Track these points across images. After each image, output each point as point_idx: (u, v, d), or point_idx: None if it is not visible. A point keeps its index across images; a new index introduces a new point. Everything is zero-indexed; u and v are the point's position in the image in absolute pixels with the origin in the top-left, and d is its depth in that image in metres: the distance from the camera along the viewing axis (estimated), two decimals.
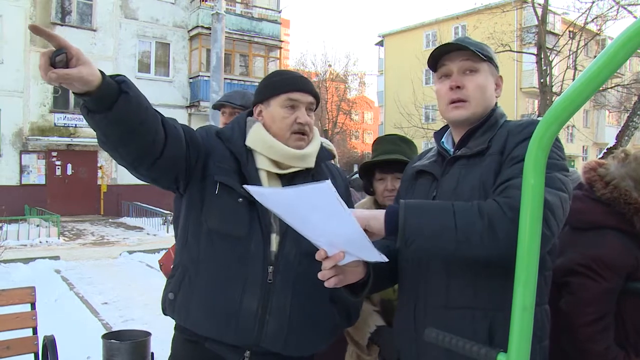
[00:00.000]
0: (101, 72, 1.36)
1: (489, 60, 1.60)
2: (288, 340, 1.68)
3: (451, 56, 1.59)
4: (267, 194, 1.41)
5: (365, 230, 1.30)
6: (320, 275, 1.40)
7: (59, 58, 1.27)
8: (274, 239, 1.71)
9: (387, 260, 1.33)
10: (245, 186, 1.40)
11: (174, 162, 1.64)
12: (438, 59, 1.63)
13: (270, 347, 1.68)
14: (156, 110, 1.55)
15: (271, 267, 1.68)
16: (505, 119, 1.62)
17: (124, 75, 1.44)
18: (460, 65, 1.58)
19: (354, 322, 1.96)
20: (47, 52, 1.27)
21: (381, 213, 1.37)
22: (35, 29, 1.27)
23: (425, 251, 1.45)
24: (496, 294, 1.42)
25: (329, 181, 1.16)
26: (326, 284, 1.41)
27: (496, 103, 1.65)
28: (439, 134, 1.72)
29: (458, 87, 1.58)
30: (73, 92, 1.36)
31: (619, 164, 1.91)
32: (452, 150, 1.63)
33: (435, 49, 1.63)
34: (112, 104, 1.37)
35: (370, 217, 1.36)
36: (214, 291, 1.69)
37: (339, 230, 1.28)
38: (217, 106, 2.97)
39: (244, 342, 1.68)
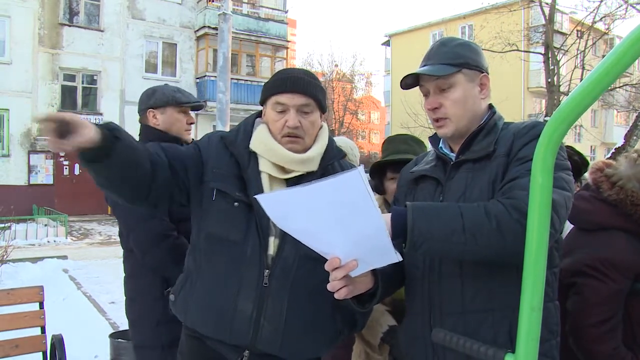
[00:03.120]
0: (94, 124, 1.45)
1: (465, 65, 1.55)
2: (284, 344, 1.68)
3: (424, 76, 1.59)
4: (279, 200, 1.31)
5: None
6: (329, 287, 1.38)
7: (65, 130, 1.37)
8: (272, 242, 1.69)
9: (402, 259, 1.31)
10: (256, 196, 1.33)
11: (165, 188, 1.68)
12: (413, 83, 1.63)
13: (267, 349, 1.68)
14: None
15: (267, 270, 1.67)
16: (504, 121, 1.61)
17: (112, 122, 1.54)
18: (434, 84, 1.57)
19: (360, 329, 1.94)
20: (52, 133, 1.36)
21: (387, 216, 1.36)
22: (41, 120, 1.38)
23: (434, 253, 1.45)
24: (513, 293, 1.38)
25: (361, 168, 1.15)
26: (336, 295, 1.39)
27: (491, 105, 1.64)
28: (434, 139, 1.71)
29: (435, 107, 1.58)
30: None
31: (629, 164, 1.89)
32: (452, 154, 1.62)
33: (401, 81, 1.63)
34: (109, 152, 1.46)
35: None
36: (210, 293, 1.70)
37: (360, 228, 1.24)
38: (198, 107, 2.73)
39: (241, 343, 1.69)
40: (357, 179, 1.14)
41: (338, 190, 1.18)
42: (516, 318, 1.31)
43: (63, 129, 1.36)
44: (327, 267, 1.34)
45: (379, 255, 1.32)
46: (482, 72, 1.59)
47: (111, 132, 1.47)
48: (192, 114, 2.73)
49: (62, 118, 1.36)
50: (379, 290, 1.51)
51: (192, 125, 2.69)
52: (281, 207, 1.30)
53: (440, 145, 1.67)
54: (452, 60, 1.55)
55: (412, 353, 1.63)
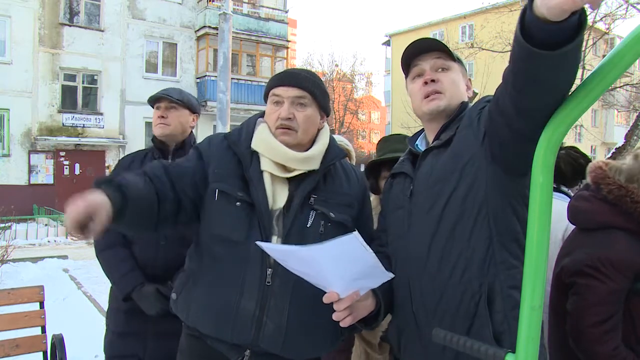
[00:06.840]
0: (105, 192, 1.45)
1: (460, 62, 1.67)
2: (286, 343, 1.69)
3: (423, 56, 1.65)
4: (280, 251, 1.46)
5: None
6: (335, 317, 1.44)
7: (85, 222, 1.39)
8: (275, 241, 1.70)
9: (393, 276, 1.40)
10: (257, 243, 1.47)
11: (169, 216, 1.70)
12: (411, 59, 1.68)
13: (269, 348, 1.69)
14: (144, 175, 1.67)
15: (270, 269, 1.68)
16: None
17: (114, 178, 1.54)
18: (433, 63, 1.63)
19: (360, 330, 1.95)
20: (76, 231, 1.38)
21: None
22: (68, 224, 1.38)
23: None
24: (485, 262, 1.46)
25: (355, 233, 1.21)
26: (342, 324, 1.46)
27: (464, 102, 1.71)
28: (412, 139, 1.79)
29: (433, 80, 1.62)
30: None
31: (630, 161, 1.91)
32: (422, 149, 1.70)
33: (409, 46, 1.66)
34: (123, 215, 1.48)
35: None
36: (213, 292, 1.71)
37: (356, 269, 1.34)
38: (153, 100, 2.61)
39: (242, 342, 1.69)
40: (354, 243, 1.23)
41: (336, 250, 1.27)
42: (494, 286, 1.44)
43: (83, 222, 1.37)
44: (325, 300, 1.42)
45: (373, 279, 1.42)
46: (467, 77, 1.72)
47: (121, 194, 1.48)
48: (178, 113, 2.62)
49: (79, 217, 1.36)
50: (382, 309, 1.58)
51: (164, 119, 2.56)
52: (281, 255, 1.45)
53: (417, 142, 1.76)
54: (451, 53, 1.66)
55: (403, 344, 1.66)
